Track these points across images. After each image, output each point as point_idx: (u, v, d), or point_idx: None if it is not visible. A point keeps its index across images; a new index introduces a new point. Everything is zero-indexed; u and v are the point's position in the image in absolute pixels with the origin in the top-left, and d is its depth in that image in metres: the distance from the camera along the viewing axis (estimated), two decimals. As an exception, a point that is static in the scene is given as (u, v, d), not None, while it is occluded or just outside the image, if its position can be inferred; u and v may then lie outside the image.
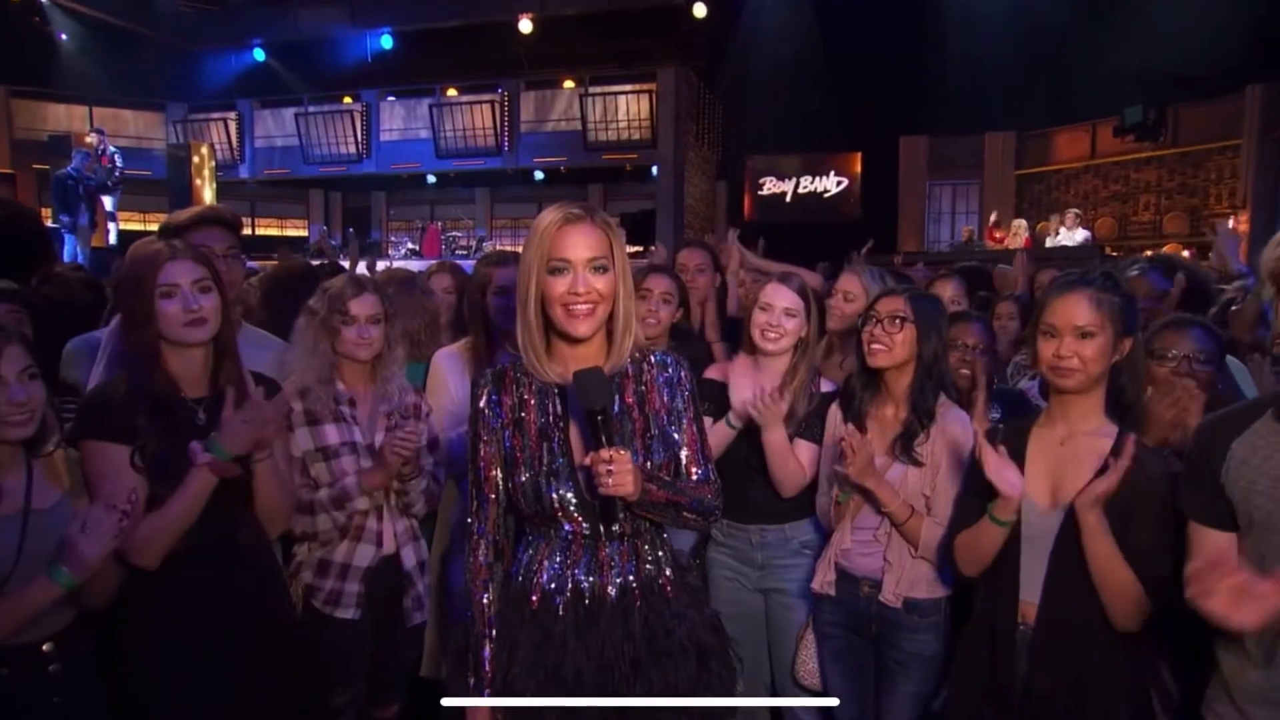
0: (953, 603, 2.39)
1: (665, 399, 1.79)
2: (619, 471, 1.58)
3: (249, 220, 19.79)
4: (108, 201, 10.98)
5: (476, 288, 2.86)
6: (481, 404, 1.77)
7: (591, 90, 17.31)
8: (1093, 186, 16.08)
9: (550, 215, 1.69)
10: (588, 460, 1.62)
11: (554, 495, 1.70)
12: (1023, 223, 12.88)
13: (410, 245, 17.40)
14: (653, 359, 1.82)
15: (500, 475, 1.76)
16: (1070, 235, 11.40)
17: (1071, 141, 16.46)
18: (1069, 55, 14.20)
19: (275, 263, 4.46)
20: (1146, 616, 1.86)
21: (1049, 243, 11.69)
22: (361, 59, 18.68)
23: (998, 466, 1.90)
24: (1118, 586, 1.84)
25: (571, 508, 1.71)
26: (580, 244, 1.66)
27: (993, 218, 14.15)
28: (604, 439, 1.60)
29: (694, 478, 1.79)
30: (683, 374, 1.83)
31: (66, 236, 10.13)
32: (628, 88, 17.24)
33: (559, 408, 1.76)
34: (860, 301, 3.05)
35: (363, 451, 2.50)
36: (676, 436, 1.79)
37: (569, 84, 17.83)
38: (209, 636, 2.00)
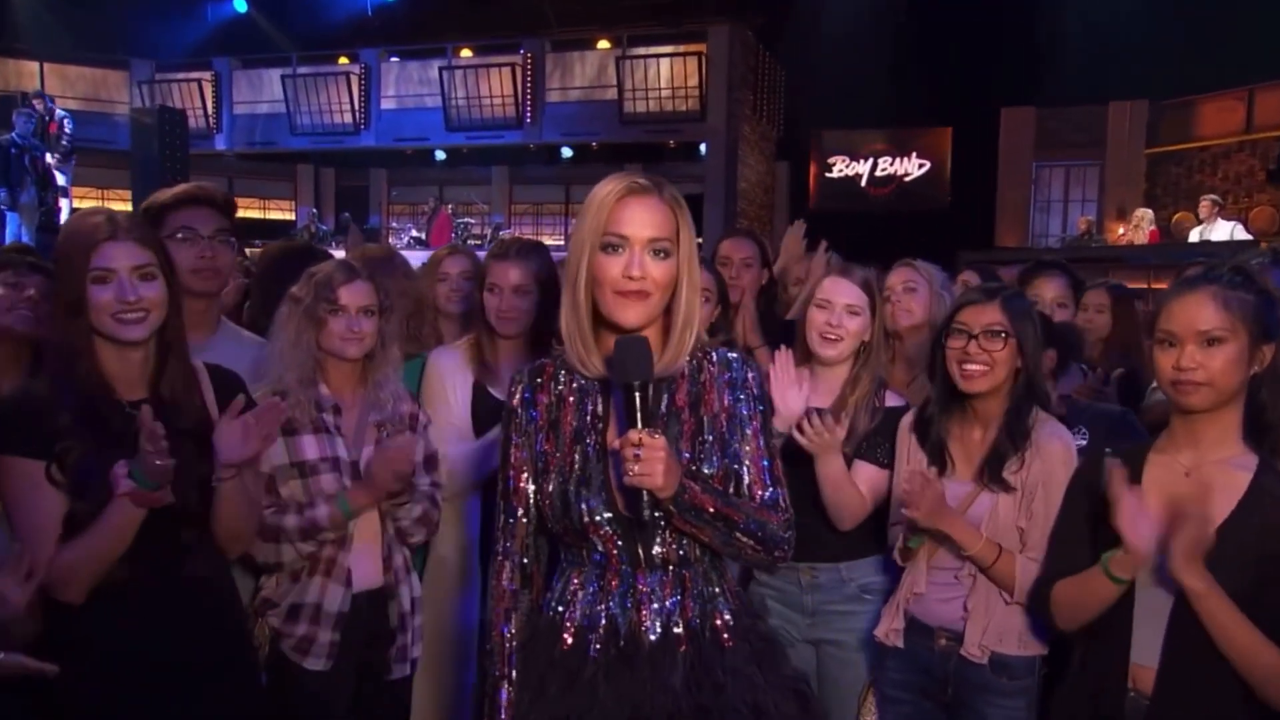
0: (1048, 663, 2.37)
1: (725, 402, 1.80)
2: (648, 459, 1.57)
3: (225, 201, 20.11)
4: (58, 175, 11.23)
5: (478, 280, 2.95)
6: (515, 402, 1.83)
7: (629, 52, 17.39)
8: (1247, 168, 15.41)
9: (610, 184, 1.72)
10: (615, 443, 1.62)
11: (583, 506, 1.72)
12: (1148, 213, 12.67)
13: (415, 233, 17.56)
14: (714, 356, 1.83)
15: (531, 486, 1.80)
16: (1209, 228, 11.18)
17: (1220, 112, 15.86)
18: (1218, 3, 13.82)
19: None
20: None
21: (1193, 237, 11.44)
22: (360, 12, 18.92)
23: (1133, 514, 1.85)
24: (1256, 664, 1.81)
25: (602, 521, 1.72)
26: (642, 220, 1.68)
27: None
28: (639, 419, 1.60)
29: (759, 500, 1.78)
30: (749, 376, 1.83)
31: (8, 215, 10.37)
32: (672, 49, 17.28)
33: (599, 407, 1.79)
34: (924, 290, 3.05)
35: (346, 469, 2.53)
36: (737, 448, 1.79)
37: (603, 44, 17.93)
38: (151, 681, 2.03)
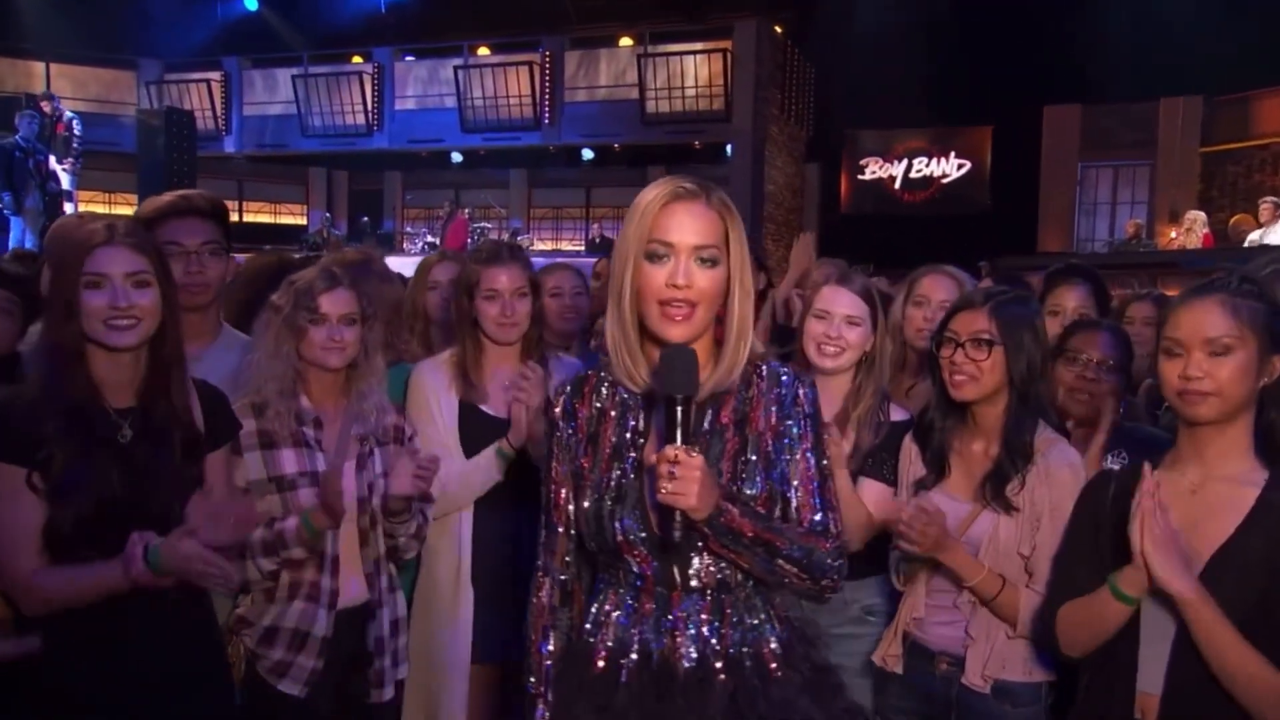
0: (1055, 690, 2.36)
1: (773, 420, 1.79)
2: (684, 477, 1.55)
3: (235, 205, 20.38)
4: (64, 178, 11.41)
5: (463, 288, 2.94)
6: (556, 413, 1.85)
7: (652, 50, 17.49)
8: (1310, 167, 15.40)
9: (655, 190, 1.72)
10: (652, 459, 1.62)
11: (617, 525, 1.73)
12: (1200, 215, 12.49)
13: (430, 237, 17.66)
14: (764, 370, 1.82)
15: (571, 504, 1.83)
16: (1269, 231, 10.99)
17: (1280, 108, 15.82)
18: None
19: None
20: None
21: (1250, 241, 11.25)
22: (374, 9, 19.10)
23: (1157, 542, 1.79)
24: (1252, 686, 1.79)
25: (636, 541, 1.72)
26: (688, 227, 1.68)
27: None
28: (678, 435, 1.59)
29: (807, 525, 1.76)
30: (801, 392, 1.81)
31: (12, 219, 10.55)
32: (697, 46, 17.36)
33: (641, 423, 1.80)
34: None
35: None
36: (785, 469, 1.78)
37: (625, 42, 18.04)
38: (123, 695, 2.05)
